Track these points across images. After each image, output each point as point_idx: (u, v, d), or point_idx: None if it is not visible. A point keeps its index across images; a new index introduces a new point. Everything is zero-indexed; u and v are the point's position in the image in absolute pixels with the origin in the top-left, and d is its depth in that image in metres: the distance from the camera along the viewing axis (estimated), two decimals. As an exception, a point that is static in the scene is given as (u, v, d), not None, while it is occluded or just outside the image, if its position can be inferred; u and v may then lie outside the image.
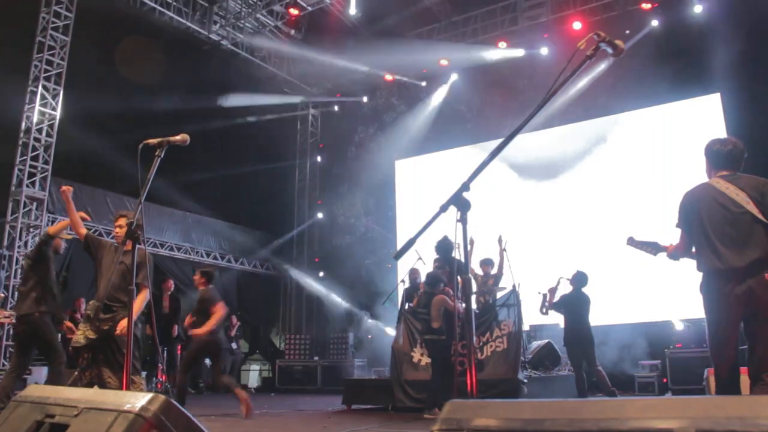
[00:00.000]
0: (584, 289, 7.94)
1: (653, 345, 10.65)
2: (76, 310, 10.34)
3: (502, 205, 12.52)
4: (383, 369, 11.01)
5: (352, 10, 13.47)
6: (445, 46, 14.28)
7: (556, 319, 8.66)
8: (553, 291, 8.00)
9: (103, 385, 4.10)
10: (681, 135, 11.17)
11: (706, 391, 7.23)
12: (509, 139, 2.40)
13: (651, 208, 11.25)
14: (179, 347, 11.48)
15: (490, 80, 14.07)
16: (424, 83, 15.25)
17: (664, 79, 11.15)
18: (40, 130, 11.60)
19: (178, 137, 3.62)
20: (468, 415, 1.62)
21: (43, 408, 2.40)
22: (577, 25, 12.41)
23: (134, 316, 4.56)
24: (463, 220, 2.32)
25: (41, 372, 8.87)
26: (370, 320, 14.15)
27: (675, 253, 3.99)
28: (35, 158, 11.54)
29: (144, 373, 9.48)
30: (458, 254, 2.44)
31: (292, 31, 14.92)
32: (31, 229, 11.54)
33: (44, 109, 11.64)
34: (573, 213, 12.20)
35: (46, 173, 11.66)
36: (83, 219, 5.33)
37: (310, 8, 13.81)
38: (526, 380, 7.61)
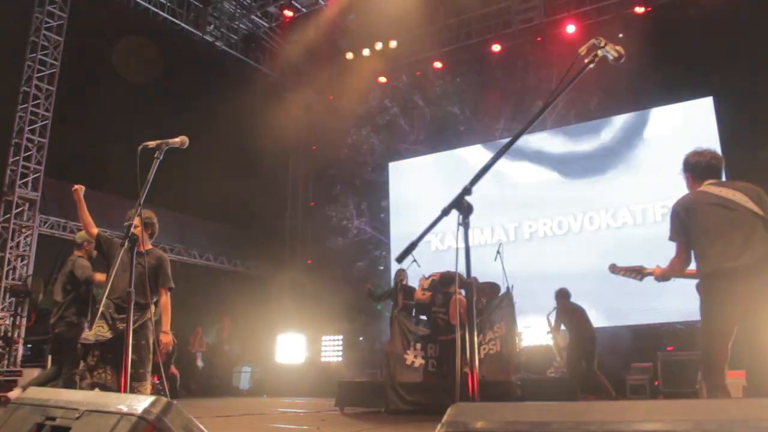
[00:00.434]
0: (573, 300, 8.50)
1: (645, 347, 10.67)
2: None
3: (497, 207, 12.52)
4: (375, 371, 11.00)
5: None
6: (438, 48, 14.28)
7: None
8: (550, 315, 8.90)
9: (106, 388, 4.06)
10: (673, 139, 11.20)
11: (699, 394, 7.25)
12: (512, 142, 2.42)
13: (643, 212, 11.32)
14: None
15: (483, 82, 14.12)
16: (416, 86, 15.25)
17: (656, 82, 11.22)
18: (32, 131, 11.53)
19: (177, 139, 3.62)
20: (473, 418, 1.63)
21: (43, 410, 2.39)
22: (570, 29, 12.45)
23: (167, 320, 4.58)
24: (465, 224, 2.34)
25: (32, 374, 8.82)
26: (362, 322, 14.13)
27: (674, 269, 3.78)
28: (28, 159, 11.47)
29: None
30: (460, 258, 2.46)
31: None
32: (24, 230, 11.45)
33: (37, 110, 11.58)
34: (564, 216, 12.22)
35: (38, 174, 11.58)
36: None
37: (304, 10, 13.80)
38: (519, 382, 7.64)
